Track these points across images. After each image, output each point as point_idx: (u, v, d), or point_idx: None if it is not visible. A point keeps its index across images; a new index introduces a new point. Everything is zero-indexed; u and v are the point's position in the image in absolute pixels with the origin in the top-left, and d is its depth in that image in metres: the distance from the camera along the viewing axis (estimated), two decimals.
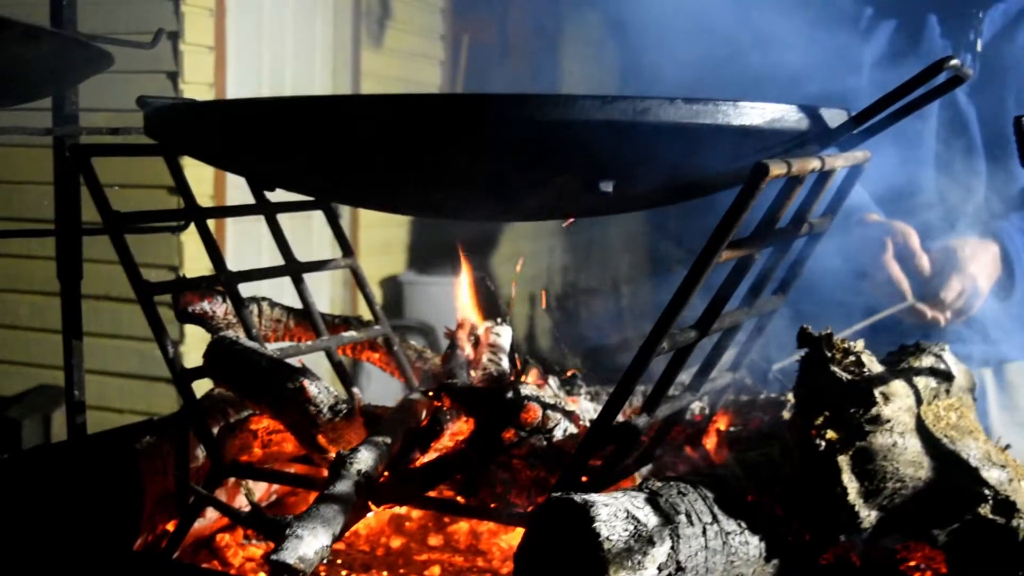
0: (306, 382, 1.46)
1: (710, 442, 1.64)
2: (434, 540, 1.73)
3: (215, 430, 1.64)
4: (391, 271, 7.15)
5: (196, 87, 5.05)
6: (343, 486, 1.28)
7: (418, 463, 1.42)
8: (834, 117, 1.34)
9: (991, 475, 1.32)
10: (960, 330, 2.55)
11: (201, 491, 1.40)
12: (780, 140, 1.29)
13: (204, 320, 1.84)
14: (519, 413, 1.37)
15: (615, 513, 1.13)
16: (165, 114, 1.40)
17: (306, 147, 1.25)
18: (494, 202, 1.39)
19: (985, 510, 1.31)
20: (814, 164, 1.28)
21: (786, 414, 1.60)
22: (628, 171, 1.27)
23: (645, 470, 1.50)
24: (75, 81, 1.69)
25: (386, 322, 1.90)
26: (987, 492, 1.31)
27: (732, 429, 1.62)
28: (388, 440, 1.38)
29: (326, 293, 6.28)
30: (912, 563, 1.41)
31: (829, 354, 1.26)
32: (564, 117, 1.15)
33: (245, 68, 5.58)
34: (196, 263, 4.80)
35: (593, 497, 1.13)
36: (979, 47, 2.49)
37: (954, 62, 1.27)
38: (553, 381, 1.81)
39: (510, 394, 1.39)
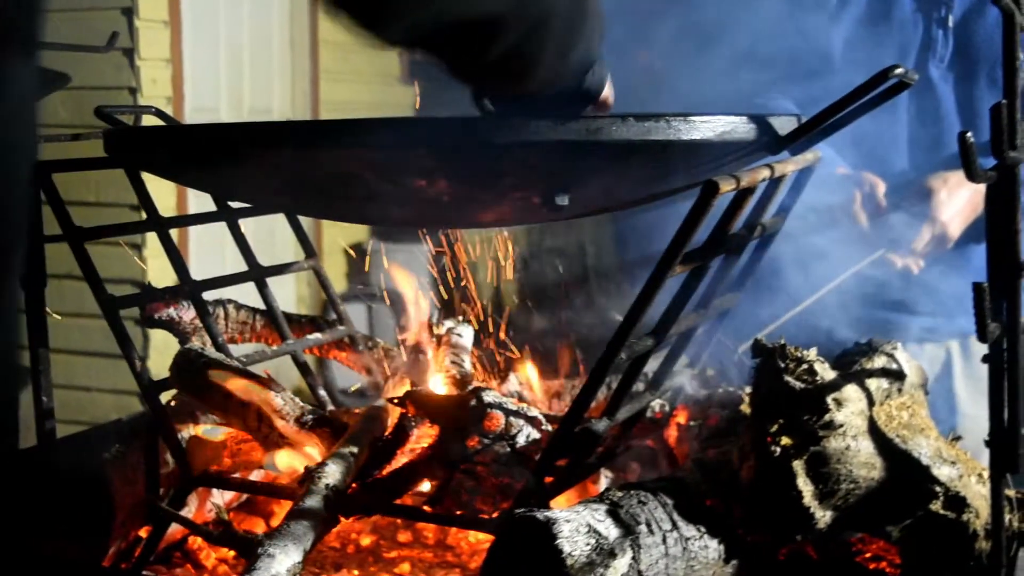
0: (271, 394, 1.48)
1: (672, 436, 1.67)
2: (403, 537, 1.76)
3: (184, 435, 1.66)
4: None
5: (154, 100, 4.98)
6: (312, 501, 1.31)
7: (385, 471, 1.45)
8: (784, 125, 1.36)
9: (942, 472, 1.36)
10: (927, 304, 2.59)
11: (169, 510, 1.42)
12: (732, 150, 1.32)
13: (171, 326, 1.86)
14: (482, 421, 1.40)
15: (577, 528, 1.16)
16: (118, 138, 1.41)
17: (260, 174, 1.26)
18: (452, 216, 1.41)
19: (936, 506, 1.35)
20: (764, 174, 1.30)
21: (744, 408, 1.64)
22: (583, 185, 1.29)
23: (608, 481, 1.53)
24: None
25: (351, 321, 1.92)
26: (938, 489, 1.35)
27: (692, 424, 1.65)
28: (355, 450, 1.40)
29: (292, 292, 6.25)
30: (868, 555, 1.46)
31: (782, 364, 1.29)
32: (518, 139, 1.18)
33: (202, 81, 5.51)
34: (162, 273, 4.79)
35: (555, 514, 1.16)
36: (951, 23, 2.50)
37: (899, 70, 1.29)
38: (515, 377, 1.84)
39: (473, 402, 1.41)
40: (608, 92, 1.40)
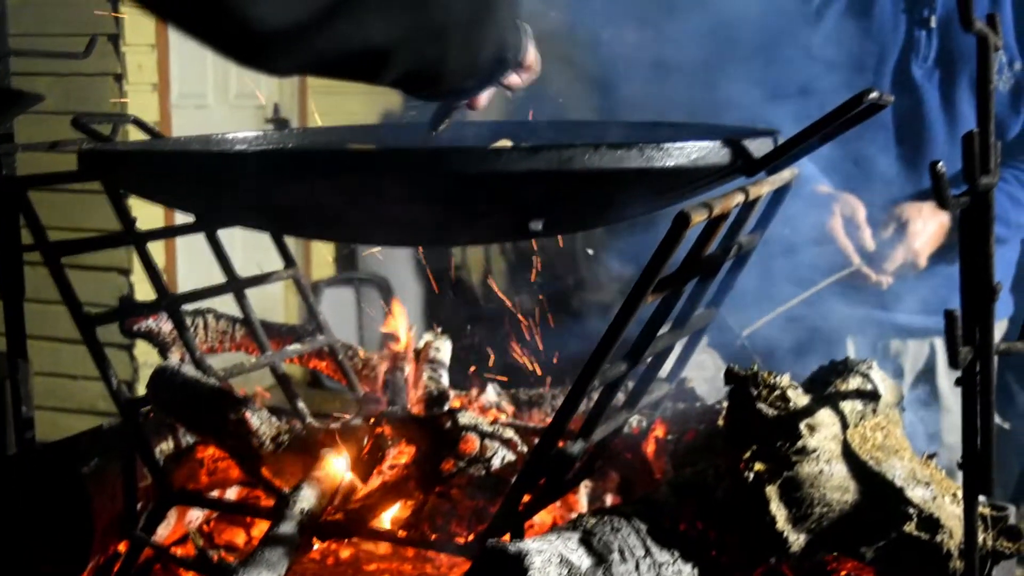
0: (248, 413, 1.48)
1: (650, 449, 1.67)
2: (383, 549, 1.76)
3: (160, 451, 1.66)
4: None
5: (139, 87, 4.95)
6: (287, 527, 1.31)
7: (361, 493, 1.45)
8: (759, 147, 1.36)
9: (915, 494, 1.36)
10: (909, 301, 2.64)
11: (143, 536, 1.42)
12: (706, 174, 1.32)
13: (151, 337, 1.86)
14: (458, 444, 1.40)
15: (549, 559, 1.16)
16: (86, 159, 1.40)
17: (224, 198, 1.26)
18: (425, 238, 1.41)
19: (910, 527, 1.35)
20: (737, 199, 1.30)
21: (721, 422, 1.64)
22: (557, 211, 1.29)
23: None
24: (3, 123, 1.69)
25: (330, 331, 1.91)
26: (912, 511, 1.35)
27: (669, 438, 1.66)
28: (331, 473, 1.40)
29: (280, 298, 6.22)
30: (843, 573, 1.46)
31: (755, 391, 1.29)
32: (489, 170, 1.17)
33: (188, 67, 5.45)
34: (147, 284, 4.76)
35: (527, 545, 1.16)
36: (933, 23, 2.51)
37: (873, 95, 1.29)
38: (492, 388, 1.84)
39: (448, 424, 1.41)
40: (532, 56, 1.36)
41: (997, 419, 2.85)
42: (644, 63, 2.72)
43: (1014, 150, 2.53)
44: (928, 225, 2.47)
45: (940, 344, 2.75)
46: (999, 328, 2.64)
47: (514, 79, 1.34)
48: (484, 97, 1.32)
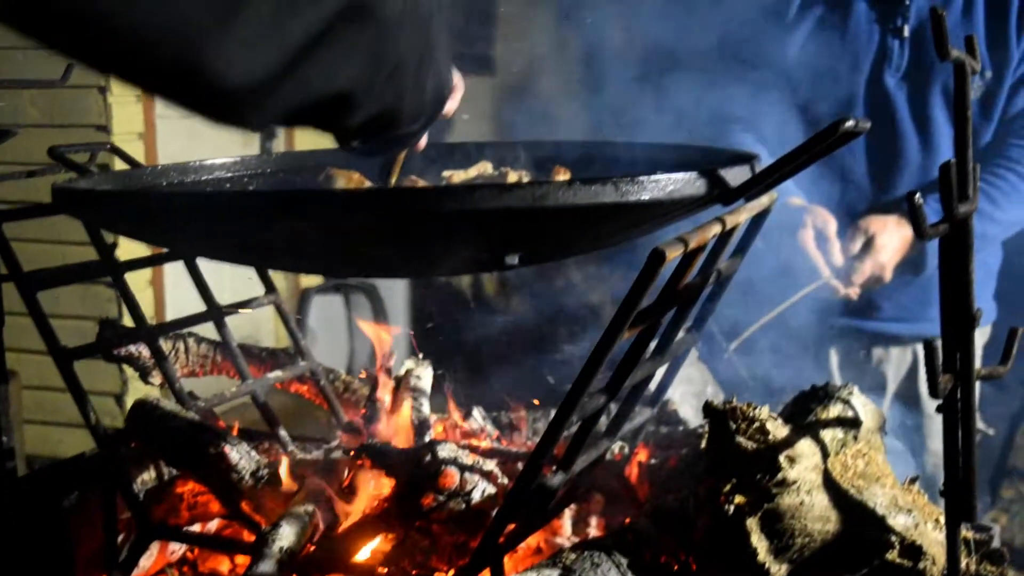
0: (227, 448, 1.47)
1: (633, 474, 1.67)
2: None
3: (143, 481, 1.65)
4: None
5: (124, 99, 4.89)
6: (266, 566, 1.30)
7: (341, 528, 1.44)
8: (736, 176, 1.35)
9: (897, 522, 1.36)
10: (890, 309, 2.67)
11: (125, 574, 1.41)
12: (683, 206, 1.31)
13: (131, 361, 1.85)
14: (437, 479, 1.39)
15: None
16: (59, 196, 1.39)
17: (197, 238, 1.25)
18: (402, 270, 1.40)
19: (892, 555, 1.34)
20: (714, 230, 1.29)
21: (704, 445, 1.63)
22: (532, 246, 1.28)
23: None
24: None
25: (312, 357, 1.91)
26: (894, 539, 1.34)
27: (653, 462, 1.65)
28: (310, 509, 1.39)
29: (270, 314, 6.18)
30: None
31: (734, 425, 1.29)
32: (463, 208, 1.16)
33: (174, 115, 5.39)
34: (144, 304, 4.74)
35: None
36: (906, 33, 2.52)
37: (848, 124, 1.28)
38: (478, 412, 1.83)
39: (427, 458, 1.41)
40: (457, 79, 1.36)
41: (982, 425, 2.87)
42: (624, 70, 2.72)
43: (986, 155, 2.55)
44: (893, 238, 2.52)
45: (922, 351, 2.75)
46: (982, 335, 2.66)
47: (449, 108, 1.34)
48: (424, 138, 1.32)
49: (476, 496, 1.41)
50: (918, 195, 1.18)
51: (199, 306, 1.81)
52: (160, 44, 0.80)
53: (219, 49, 0.82)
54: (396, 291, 5.98)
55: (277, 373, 1.85)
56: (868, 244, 2.50)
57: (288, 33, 0.86)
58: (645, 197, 1.23)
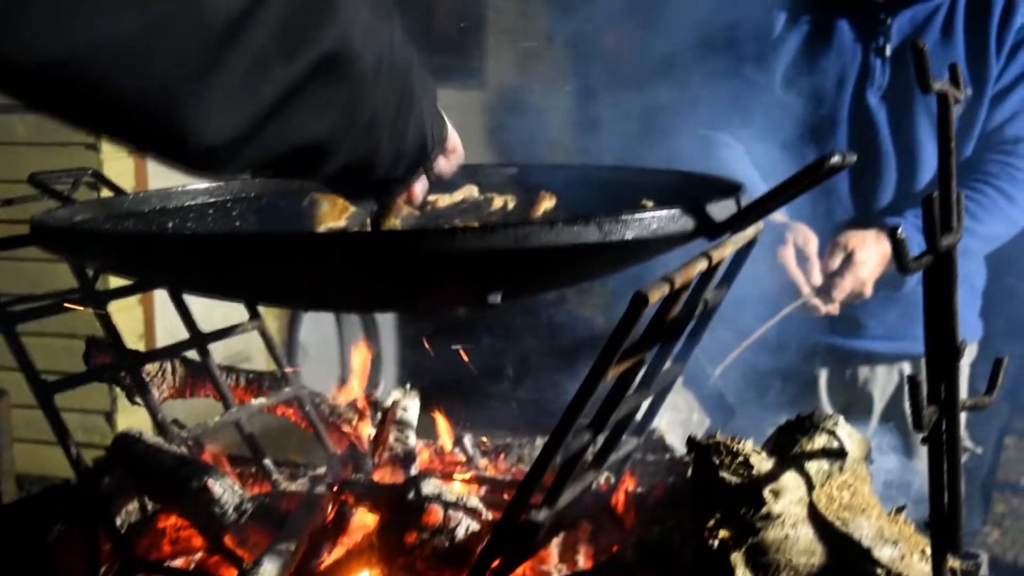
0: (210, 482, 1.46)
1: (620, 502, 1.66)
2: None
3: (127, 512, 1.64)
4: None
5: (115, 156, 4.87)
6: None
7: (323, 565, 1.43)
8: (722, 211, 1.34)
9: (883, 554, 1.36)
10: (875, 328, 2.67)
11: None
12: (668, 243, 1.30)
13: (117, 382, 1.84)
14: (420, 516, 1.38)
15: None
16: (34, 231, 1.37)
17: (180, 279, 1.24)
18: (387, 306, 1.39)
19: None
20: (700, 267, 1.29)
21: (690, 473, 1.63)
22: (515, 284, 1.28)
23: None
24: None
25: (297, 381, 1.90)
26: (880, 571, 1.34)
27: (639, 491, 1.64)
28: (292, 546, 1.39)
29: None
30: None
31: (717, 460, 1.28)
32: (444, 250, 1.15)
33: None
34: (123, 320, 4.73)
35: None
36: (888, 52, 2.53)
37: (835, 159, 1.27)
38: (468, 439, 1.83)
39: (411, 495, 1.40)
40: (454, 140, 1.36)
41: (969, 443, 2.87)
42: (613, 84, 2.72)
43: (966, 170, 2.55)
44: (873, 253, 2.50)
45: (908, 369, 2.77)
46: (969, 354, 2.66)
47: (443, 166, 1.34)
48: (419, 191, 1.31)
49: (460, 533, 1.40)
50: (900, 229, 1.18)
51: None
52: (137, 106, 0.80)
53: (195, 109, 0.81)
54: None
55: (262, 400, 1.84)
56: (847, 260, 2.49)
57: (261, 91, 0.86)
58: (629, 236, 1.22)
